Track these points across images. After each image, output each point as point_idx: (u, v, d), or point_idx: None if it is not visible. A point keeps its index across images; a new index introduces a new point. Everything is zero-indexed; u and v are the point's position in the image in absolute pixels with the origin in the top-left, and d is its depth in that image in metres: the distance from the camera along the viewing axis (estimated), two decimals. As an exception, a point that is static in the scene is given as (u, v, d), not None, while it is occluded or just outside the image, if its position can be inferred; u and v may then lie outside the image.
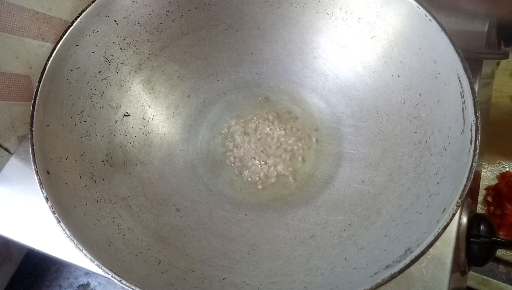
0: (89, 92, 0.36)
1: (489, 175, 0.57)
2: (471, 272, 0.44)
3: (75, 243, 0.26)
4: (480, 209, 0.55)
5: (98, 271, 0.26)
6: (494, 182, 0.56)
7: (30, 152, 0.29)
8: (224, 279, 0.30)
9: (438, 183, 0.28)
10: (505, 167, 0.57)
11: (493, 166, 0.58)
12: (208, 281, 0.29)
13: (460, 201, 0.25)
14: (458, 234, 0.34)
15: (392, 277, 0.24)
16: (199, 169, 0.40)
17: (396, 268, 0.24)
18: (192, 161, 0.40)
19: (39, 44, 0.42)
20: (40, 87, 0.31)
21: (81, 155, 0.33)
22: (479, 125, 0.27)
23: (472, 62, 0.42)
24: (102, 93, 0.37)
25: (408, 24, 0.34)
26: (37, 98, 0.31)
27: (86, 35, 0.35)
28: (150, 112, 0.40)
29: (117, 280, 0.25)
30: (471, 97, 0.28)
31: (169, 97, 0.42)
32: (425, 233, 0.25)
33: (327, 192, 0.37)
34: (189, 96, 0.43)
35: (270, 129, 0.41)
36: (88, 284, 0.59)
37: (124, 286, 0.25)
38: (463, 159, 0.26)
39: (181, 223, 0.35)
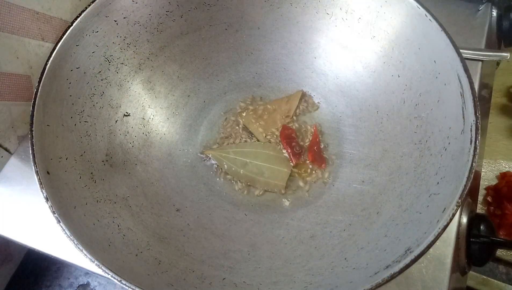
0: (89, 92, 0.36)
1: (489, 175, 0.57)
2: (471, 272, 0.44)
3: (75, 243, 0.26)
4: (480, 209, 0.55)
5: (98, 271, 0.26)
6: (494, 182, 0.56)
7: (30, 152, 0.29)
8: (224, 279, 0.30)
9: (438, 183, 0.28)
10: (505, 167, 0.57)
11: (493, 166, 0.58)
12: (208, 281, 0.29)
13: (460, 201, 0.25)
14: (458, 234, 0.34)
15: (392, 277, 0.24)
16: (199, 169, 0.40)
17: (396, 268, 0.24)
18: (192, 161, 0.40)
19: (39, 44, 0.42)
20: (40, 87, 0.31)
21: (81, 155, 0.33)
22: (479, 125, 0.27)
23: (472, 62, 0.42)
24: (102, 93, 0.37)
25: (408, 24, 0.34)
26: (37, 98, 0.31)
27: (86, 35, 0.35)
28: (150, 112, 0.40)
29: (117, 280, 0.25)
30: (471, 97, 0.28)
31: (169, 97, 0.42)
32: (425, 233, 0.25)
33: (327, 192, 0.37)
34: (189, 96, 0.43)
35: (270, 129, 0.41)
36: (88, 284, 0.59)
37: (124, 286, 0.25)
38: (463, 159, 0.26)
39: (181, 223, 0.35)
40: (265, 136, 0.40)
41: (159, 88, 0.41)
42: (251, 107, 0.42)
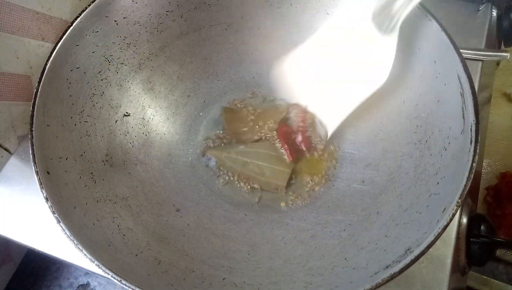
0: (89, 92, 0.36)
1: (489, 175, 0.57)
2: (471, 272, 0.44)
3: (75, 243, 0.26)
4: (480, 209, 0.55)
5: (98, 271, 0.26)
6: (494, 182, 0.56)
7: (30, 152, 0.29)
8: (224, 279, 0.30)
9: (438, 183, 0.28)
10: (505, 167, 0.57)
11: (493, 166, 0.58)
12: (208, 281, 0.29)
13: (460, 201, 0.25)
14: (458, 234, 0.34)
15: (392, 277, 0.24)
16: (199, 169, 0.40)
17: (396, 268, 0.24)
18: (192, 161, 0.40)
19: (39, 44, 0.42)
20: (40, 87, 0.31)
21: (81, 155, 0.33)
22: (479, 125, 0.27)
23: (472, 62, 0.42)
24: (102, 93, 0.37)
25: (408, 24, 0.34)
26: (37, 98, 0.31)
27: (86, 35, 0.35)
28: (150, 112, 0.40)
29: (117, 280, 0.25)
30: (471, 97, 0.28)
31: (169, 97, 0.42)
32: (425, 233, 0.25)
33: (327, 192, 0.37)
34: (189, 96, 0.43)
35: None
36: (88, 284, 0.59)
37: (124, 286, 0.25)
38: (463, 159, 0.26)
39: (181, 223, 0.35)
40: (261, 135, 0.40)
41: (159, 88, 0.41)
42: (250, 108, 0.42)
